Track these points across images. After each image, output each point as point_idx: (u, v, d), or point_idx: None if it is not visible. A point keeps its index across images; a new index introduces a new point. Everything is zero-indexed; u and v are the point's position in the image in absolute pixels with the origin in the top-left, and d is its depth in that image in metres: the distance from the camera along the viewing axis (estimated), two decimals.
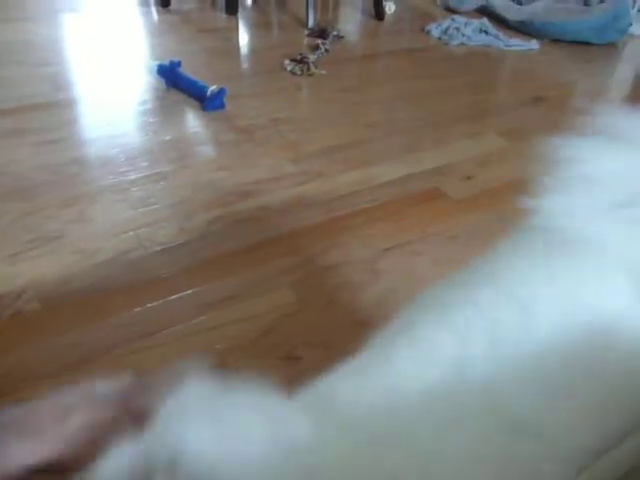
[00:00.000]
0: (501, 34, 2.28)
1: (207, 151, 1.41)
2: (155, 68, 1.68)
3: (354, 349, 0.35)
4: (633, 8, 2.42)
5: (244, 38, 2.25)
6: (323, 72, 1.85)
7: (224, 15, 2.34)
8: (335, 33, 2.12)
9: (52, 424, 0.31)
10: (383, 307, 0.94)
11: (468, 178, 1.34)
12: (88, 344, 0.85)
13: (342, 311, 0.95)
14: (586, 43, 2.27)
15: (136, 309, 0.92)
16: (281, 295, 0.96)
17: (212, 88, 1.54)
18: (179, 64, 1.66)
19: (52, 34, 2.02)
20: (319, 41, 2.04)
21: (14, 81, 1.65)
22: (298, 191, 1.24)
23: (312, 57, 1.90)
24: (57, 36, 2.03)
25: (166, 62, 1.66)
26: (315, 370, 0.32)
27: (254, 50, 2.14)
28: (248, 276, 1.01)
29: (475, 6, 2.56)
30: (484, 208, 1.22)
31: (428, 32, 2.31)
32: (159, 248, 1.05)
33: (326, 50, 1.99)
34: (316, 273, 1.02)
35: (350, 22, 2.54)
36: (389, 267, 1.04)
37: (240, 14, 2.37)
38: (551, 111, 1.74)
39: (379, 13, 2.42)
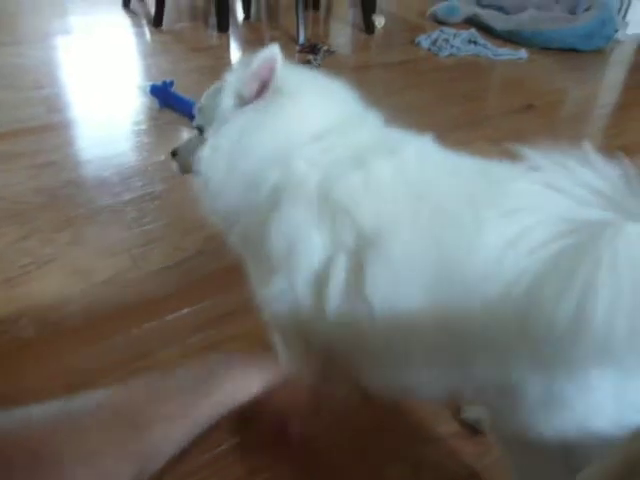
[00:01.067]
0: (490, 44, 2.30)
1: None
2: (148, 88, 1.70)
3: None
4: (618, 14, 2.45)
5: (236, 55, 2.27)
6: None
7: (215, 33, 2.36)
8: (326, 48, 2.14)
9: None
10: None
11: None
12: (85, 368, 0.85)
13: None
14: (574, 50, 2.30)
15: (133, 330, 0.92)
16: None
17: None
18: (172, 84, 1.68)
19: (45, 57, 2.04)
20: (310, 56, 2.06)
21: (8, 105, 1.66)
22: None
23: None
24: (50, 59, 2.05)
25: (159, 82, 1.68)
26: None
27: None
28: (245, 292, 1.01)
29: (464, 17, 2.59)
30: None
31: (418, 44, 2.34)
32: (154, 268, 1.05)
33: (318, 65, 2.01)
34: None
35: (340, 37, 2.56)
36: None
37: (231, 31, 2.39)
38: (542, 118, 1.76)
39: (369, 27, 2.45)
